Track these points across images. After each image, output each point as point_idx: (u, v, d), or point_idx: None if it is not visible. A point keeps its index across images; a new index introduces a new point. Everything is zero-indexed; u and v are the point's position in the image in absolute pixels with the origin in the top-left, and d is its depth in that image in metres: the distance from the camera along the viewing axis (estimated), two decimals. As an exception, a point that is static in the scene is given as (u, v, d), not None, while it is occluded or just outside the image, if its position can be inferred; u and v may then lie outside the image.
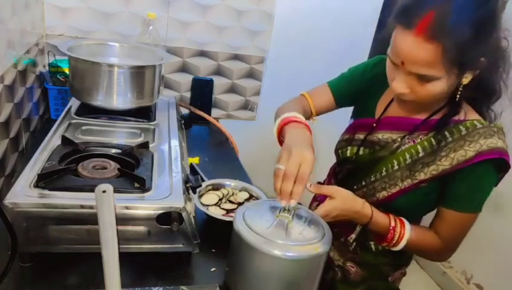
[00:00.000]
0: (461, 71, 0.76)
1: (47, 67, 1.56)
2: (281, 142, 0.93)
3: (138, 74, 1.23)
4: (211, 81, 1.85)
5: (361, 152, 0.96)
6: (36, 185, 0.79)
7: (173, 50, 1.80)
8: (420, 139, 0.87)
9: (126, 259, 0.64)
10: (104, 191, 0.61)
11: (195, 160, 1.36)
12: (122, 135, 1.12)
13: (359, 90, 1.04)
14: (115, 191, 0.63)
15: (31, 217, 0.75)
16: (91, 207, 0.76)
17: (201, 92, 1.83)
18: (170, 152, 1.04)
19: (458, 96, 0.82)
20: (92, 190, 0.64)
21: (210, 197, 1.08)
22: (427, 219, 0.95)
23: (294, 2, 1.92)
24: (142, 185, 0.84)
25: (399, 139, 0.90)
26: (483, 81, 0.81)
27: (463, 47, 0.70)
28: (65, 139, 0.98)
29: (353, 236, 0.99)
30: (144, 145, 1.02)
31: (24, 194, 0.77)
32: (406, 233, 0.87)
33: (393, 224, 0.88)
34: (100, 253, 0.59)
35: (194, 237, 0.84)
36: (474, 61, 0.75)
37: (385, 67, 0.88)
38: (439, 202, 0.89)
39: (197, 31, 1.80)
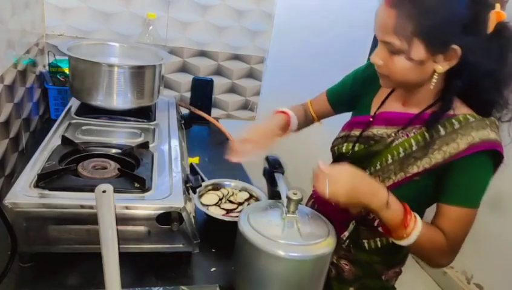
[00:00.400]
0: (427, 53, 0.76)
1: (47, 67, 1.56)
2: None
3: (138, 74, 1.23)
4: (211, 81, 1.85)
5: (356, 148, 0.96)
6: (36, 185, 0.79)
7: (174, 50, 1.80)
8: (414, 133, 0.87)
9: (126, 259, 0.65)
10: (104, 191, 0.62)
11: (195, 160, 1.36)
12: (122, 135, 1.12)
13: (351, 96, 1.07)
14: (115, 191, 0.64)
15: (31, 217, 0.75)
16: (91, 207, 0.76)
17: (201, 92, 1.83)
18: (170, 152, 1.04)
19: (433, 84, 0.82)
20: (92, 190, 0.64)
21: (210, 197, 1.08)
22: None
23: (294, 2, 1.92)
24: (142, 185, 0.84)
25: (393, 134, 0.90)
26: (473, 77, 0.79)
27: (419, 19, 0.73)
28: (65, 139, 0.98)
29: (346, 234, 0.99)
30: (144, 145, 1.02)
31: (24, 194, 0.77)
32: (418, 224, 0.81)
33: (408, 209, 0.82)
34: (100, 253, 0.59)
35: (194, 237, 0.84)
36: (441, 44, 0.75)
37: (375, 69, 0.92)
38: (436, 199, 0.88)
39: (197, 31, 1.80)
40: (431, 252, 0.86)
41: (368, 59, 1.10)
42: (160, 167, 0.95)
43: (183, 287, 0.80)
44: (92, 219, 0.75)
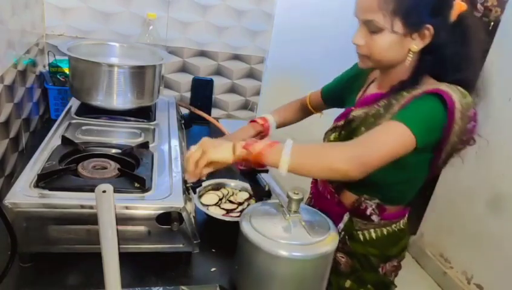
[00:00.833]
0: (405, 30, 0.83)
1: (47, 67, 1.56)
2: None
3: (138, 74, 1.23)
4: (211, 81, 1.84)
5: (342, 134, 1.02)
6: (36, 185, 0.79)
7: (174, 50, 1.80)
8: (383, 102, 0.94)
9: (126, 259, 0.64)
10: (104, 191, 0.61)
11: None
12: (122, 135, 1.12)
13: (340, 93, 1.15)
14: (115, 191, 0.63)
15: (31, 217, 0.75)
16: (91, 207, 0.76)
17: (201, 92, 1.83)
18: (170, 152, 1.04)
19: (408, 62, 0.88)
20: (92, 190, 0.64)
21: (210, 197, 1.08)
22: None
23: (294, 1, 1.92)
24: (142, 185, 0.84)
25: (367, 111, 0.96)
26: (442, 56, 0.86)
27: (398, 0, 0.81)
28: (65, 139, 0.98)
29: (341, 225, 1.00)
30: (144, 145, 1.02)
31: (24, 194, 0.77)
32: (286, 143, 0.79)
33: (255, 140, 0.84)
34: (100, 253, 0.59)
35: (194, 237, 0.84)
36: (417, 23, 0.83)
37: (360, 69, 1.04)
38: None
39: (197, 31, 1.81)
40: (324, 157, 0.81)
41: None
42: (160, 167, 0.95)
43: (183, 287, 0.80)
44: (92, 219, 0.75)
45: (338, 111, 1.18)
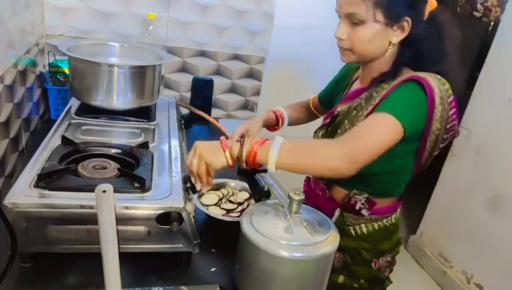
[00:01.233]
0: (386, 21, 0.86)
1: (47, 67, 1.56)
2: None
3: (138, 74, 1.23)
4: (211, 81, 1.84)
5: (328, 132, 1.05)
6: (36, 185, 0.79)
7: (174, 50, 1.80)
8: (365, 95, 0.96)
9: (126, 259, 0.64)
10: (104, 191, 0.61)
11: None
12: (122, 135, 1.12)
13: (331, 95, 1.19)
14: (115, 191, 0.63)
15: (31, 217, 0.75)
16: (91, 207, 0.76)
17: (201, 92, 1.83)
18: (170, 152, 1.04)
19: (388, 53, 0.92)
20: (92, 190, 0.64)
21: (210, 197, 1.08)
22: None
23: (294, 1, 1.92)
24: (142, 185, 0.84)
25: (350, 105, 0.99)
26: (419, 49, 0.90)
27: None
28: (65, 139, 0.98)
29: (333, 221, 1.00)
30: (144, 145, 1.02)
31: (24, 194, 0.77)
32: (276, 139, 0.79)
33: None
34: (100, 253, 0.59)
35: (194, 237, 0.84)
36: (397, 15, 0.86)
37: (345, 69, 1.15)
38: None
39: (197, 31, 1.81)
40: (310, 156, 0.80)
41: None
42: (160, 167, 0.95)
43: (183, 287, 0.80)
44: (92, 219, 0.75)
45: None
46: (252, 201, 1.10)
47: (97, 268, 0.61)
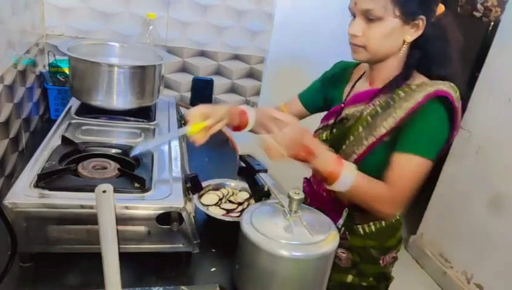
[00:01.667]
0: (402, 18, 0.86)
1: (47, 67, 1.56)
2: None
3: (138, 74, 1.23)
4: (211, 81, 1.85)
5: (334, 132, 1.03)
6: (36, 185, 0.79)
7: (174, 50, 1.80)
8: (379, 102, 0.95)
9: (126, 259, 0.64)
10: (104, 191, 0.61)
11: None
12: (122, 135, 1.12)
13: (322, 96, 1.16)
14: (115, 191, 0.63)
15: (31, 217, 0.75)
16: (91, 207, 0.76)
17: (201, 92, 1.83)
18: (170, 152, 1.04)
19: (402, 53, 0.93)
20: (92, 190, 0.64)
21: (210, 197, 1.08)
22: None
23: (294, 1, 1.92)
24: (142, 185, 0.84)
25: (362, 109, 0.98)
26: (428, 51, 0.92)
27: None
28: (65, 139, 0.98)
29: (341, 221, 1.01)
30: (144, 145, 1.02)
31: (24, 194, 0.77)
32: (349, 169, 0.87)
33: (341, 158, 0.89)
34: (100, 253, 0.59)
35: (194, 237, 0.84)
36: (413, 12, 0.87)
37: (342, 66, 1.13)
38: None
39: (197, 31, 1.81)
40: (369, 199, 0.91)
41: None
42: (160, 167, 0.95)
43: (183, 287, 0.80)
44: (92, 219, 0.75)
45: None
46: (252, 201, 1.10)
47: (97, 268, 0.61)
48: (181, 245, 0.84)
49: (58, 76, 1.54)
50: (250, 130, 1.10)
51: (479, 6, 2.70)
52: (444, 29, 0.91)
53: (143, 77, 1.24)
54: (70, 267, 0.81)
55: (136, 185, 0.85)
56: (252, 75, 1.98)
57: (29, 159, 0.90)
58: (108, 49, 1.40)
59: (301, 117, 1.20)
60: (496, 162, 2.03)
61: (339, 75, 1.12)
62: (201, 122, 0.91)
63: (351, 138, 0.96)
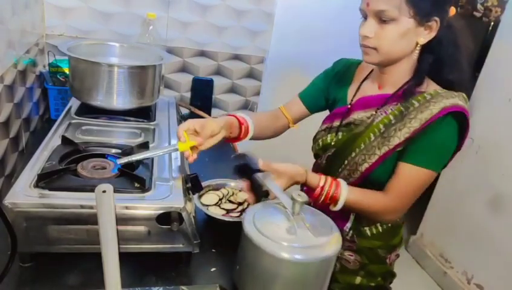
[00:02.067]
0: (416, 18, 0.85)
1: (47, 67, 1.56)
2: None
3: (138, 74, 1.23)
4: (211, 81, 1.85)
5: (340, 136, 1.01)
6: (36, 185, 0.79)
7: (174, 50, 1.80)
8: (391, 110, 0.94)
9: (126, 259, 0.64)
10: (104, 191, 0.61)
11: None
12: (122, 135, 1.12)
13: (324, 95, 1.14)
14: (115, 191, 0.63)
15: (31, 217, 0.75)
16: (91, 207, 0.76)
17: (201, 92, 1.83)
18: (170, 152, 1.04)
19: (415, 56, 0.92)
20: (92, 190, 0.64)
21: (210, 197, 1.08)
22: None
23: (294, 1, 1.92)
24: (142, 185, 0.84)
25: (372, 115, 0.96)
26: (439, 55, 0.91)
27: None
28: (65, 139, 0.98)
29: (349, 225, 1.02)
30: (144, 145, 1.02)
31: (24, 194, 0.77)
32: (342, 192, 0.90)
33: (321, 184, 0.91)
34: (100, 253, 0.59)
35: (194, 237, 0.84)
36: (428, 13, 0.85)
37: (345, 64, 1.11)
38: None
39: (197, 31, 1.81)
40: (370, 211, 0.94)
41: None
42: (160, 167, 0.95)
43: (183, 287, 0.80)
44: (92, 219, 0.75)
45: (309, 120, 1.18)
46: (252, 201, 1.09)
47: (97, 268, 0.61)
48: (181, 245, 0.84)
49: (58, 76, 1.54)
50: (251, 138, 1.09)
51: (479, 6, 2.70)
52: (456, 33, 0.90)
53: (143, 77, 1.24)
54: (70, 267, 0.81)
55: (136, 185, 0.85)
56: (252, 75, 1.98)
57: (29, 159, 0.90)
58: (107, 49, 1.40)
59: (301, 117, 1.18)
60: (496, 162, 2.03)
61: (342, 73, 1.10)
62: (190, 140, 0.89)
63: (362, 146, 0.95)
